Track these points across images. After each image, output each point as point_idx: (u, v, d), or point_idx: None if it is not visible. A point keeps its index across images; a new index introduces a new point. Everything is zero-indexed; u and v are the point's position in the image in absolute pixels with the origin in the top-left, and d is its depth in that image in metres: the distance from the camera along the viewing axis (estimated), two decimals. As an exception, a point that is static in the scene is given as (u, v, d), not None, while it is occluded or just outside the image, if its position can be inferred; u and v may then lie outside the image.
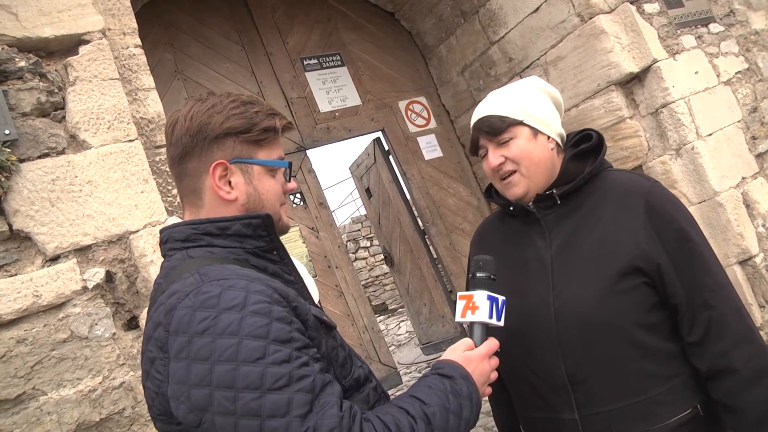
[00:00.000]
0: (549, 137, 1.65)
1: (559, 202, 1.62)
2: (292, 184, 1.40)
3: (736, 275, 4.25)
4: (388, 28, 6.11)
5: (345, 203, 18.45)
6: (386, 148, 6.01)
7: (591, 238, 1.56)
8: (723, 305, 1.49)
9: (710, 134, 4.48)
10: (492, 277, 1.41)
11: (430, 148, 5.95)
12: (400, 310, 12.65)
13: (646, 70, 4.50)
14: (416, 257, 6.32)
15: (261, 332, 1.04)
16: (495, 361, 1.32)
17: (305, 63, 5.54)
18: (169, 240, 1.30)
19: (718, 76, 4.81)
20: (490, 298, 1.36)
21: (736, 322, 1.48)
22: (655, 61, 4.45)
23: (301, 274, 1.40)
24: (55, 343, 2.34)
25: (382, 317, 12.77)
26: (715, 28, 5.01)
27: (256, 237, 1.27)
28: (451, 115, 6.15)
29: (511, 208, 1.69)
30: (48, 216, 2.47)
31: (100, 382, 2.37)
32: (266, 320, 1.06)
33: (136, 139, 2.75)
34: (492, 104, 1.67)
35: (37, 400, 2.27)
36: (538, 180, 1.63)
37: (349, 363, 1.25)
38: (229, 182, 1.28)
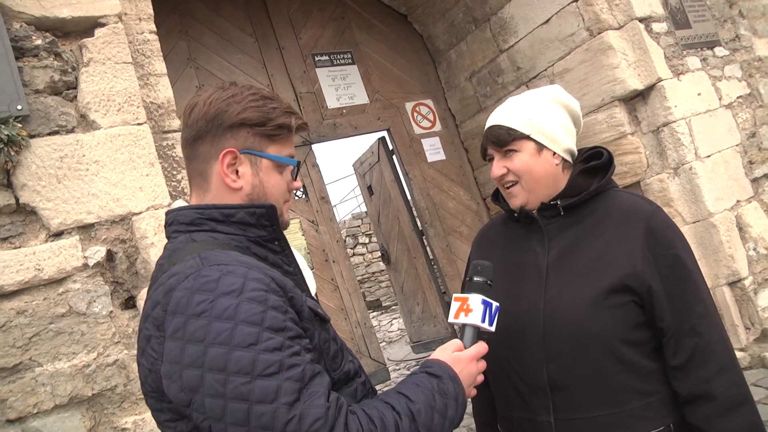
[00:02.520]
0: (555, 153, 1.65)
1: (562, 213, 1.63)
2: (297, 183, 1.39)
3: (725, 296, 4.27)
4: (400, 30, 6.12)
5: (347, 199, 18.48)
6: (390, 147, 6.03)
7: (588, 252, 1.58)
8: (710, 333, 1.50)
9: (709, 156, 4.50)
10: (489, 282, 1.40)
11: (433, 150, 5.97)
12: (393, 307, 12.66)
13: (650, 88, 4.52)
14: (413, 257, 6.34)
15: (256, 319, 1.05)
16: (482, 365, 1.32)
17: (316, 59, 5.56)
18: (174, 222, 1.29)
19: (720, 99, 4.82)
20: (484, 302, 1.36)
21: (720, 351, 1.49)
22: (660, 80, 4.46)
23: (300, 266, 1.41)
24: (53, 317, 2.36)
25: (375, 313, 12.78)
26: (720, 51, 5.02)
27: (259, 226, 1.27)
28: (456, 120, 6.17)
29: (516, 214, 1.70)
30: (54, 192, 2.49)
31: (94, 358, 2.39)
32: (262, 308, 1.06)
33: (145, 122, 2.77)
34: (504, 114, 1.66)
35: (33, 371, 2.29)
36: (538, 193, 1.63)
37: (339, 356, 1.25)
38: (237, 171, 1.27)
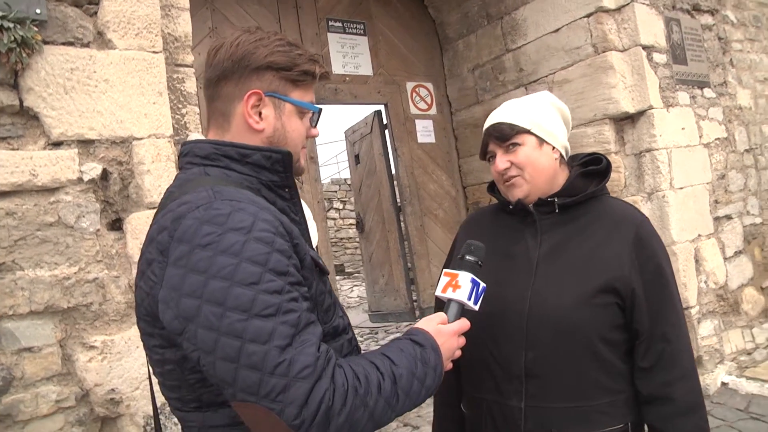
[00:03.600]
0: (554, 148, 1.66)
1: (557, 210, 1.63)
2: (316, 131, 1.36)
3: (670, 319, 4.33)
4: (414, 11, 6.01)
5: (328, 163, 18.33)
6: (385, 122, 5.96)
7: (579, 251, 1.58)
8: (678, 341, 1.54)
9: (681, 188, 4.54)
10: (480, 263, 1.38)
11: (425, 132, 5.92)
12: (356, 274, 12.66)
13: (640, 114, 4.52)
14: (386, 230, 6.30)
15: (261, 259, 1.01)
16: (462, 340, 1.30)
17: (330, 24, 5.43)
18: (189, 154, 1.24)
19: (700, 137, 4.86)
20: (473, 281, 1.34)
21: (685, 360, 1.54)
22: (651, 107, 4.46)
23: (306, 217, 1.37)
24: (41, 224, 2.26)
25: (338, 278, 12.75)
26: (708, 93, 5.05)
27: (273, 171, 1.23)
28: (452, 107, 6.11)
29: (510, 207, 1.69)
30: (59, 102, 2.38)
31: (75, 272, 2.31)
32: (268, 249, 1.02)
33: (161, 52, 2.66)
34: (504, 113, 1.68)
35: (14, 273, 2.20)
36: (539, 186, 1.64)
37: (332, 310, 1.23)
38: (260, 113, 1.23)
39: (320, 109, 1.34)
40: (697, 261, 4.52)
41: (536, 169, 1.62)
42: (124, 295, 2.40)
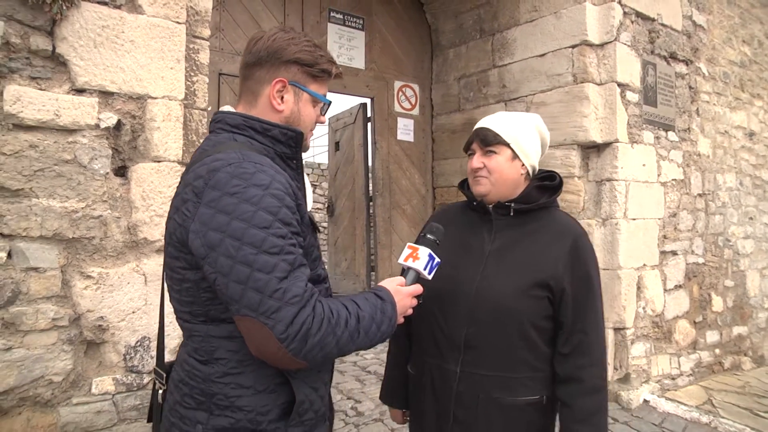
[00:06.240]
0: (523, 164, 2.01)
1: (512, 214, 1.99)
2: (323, 119, 1.71)
3: (608, 338, 4.79)
4: (412, 14, 6.38)
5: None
6: (369, 115, 6.30)
7: (524, 250, 1.93)
8: (593, 334, 1.90)
9: (634, 219, 5.00)
10: (437, 242, 1.74)
11: (405, 130, 6.29)
12: (314, 258, 12.87)
13: (606, 145, 4.96)
14: (355, 216, 6.65)
15: (273, 210, 1.34)
16: (414, 301, 1.65)
17: (331, 14, 5.76)
18: (221, 121, 1.59)
19: (658, 175, 5.34)
20: (430, 255, 1.68)
21: (596, 350, 1.90)
22: (617, 141, 4.90)
23: (306, 186, 1.71)
24: (58, 160, 2.56)
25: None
26: (672, 136, 5.53)
27: (286, 145, 1.58)
28: (434, 111, 6.50)
29: (475, 203, 2.04)
30: (88, 54, 2.68)
31: (82, 207, 2.61)
32: (279, 203, 1.36)
33: (184, 23, 2.97)
34: (495, 121, 2.01)
35: (30, 200, 2.51)
36: (500, 190, 1.98)
37: (317, 262, 1.58)
38: (282, 97, 1.57)
39: (330, 102, 1.69)
40: (639, 288, 4.99)
41: (502, 176, 1.96)
42: (122, 234, 2.72)
